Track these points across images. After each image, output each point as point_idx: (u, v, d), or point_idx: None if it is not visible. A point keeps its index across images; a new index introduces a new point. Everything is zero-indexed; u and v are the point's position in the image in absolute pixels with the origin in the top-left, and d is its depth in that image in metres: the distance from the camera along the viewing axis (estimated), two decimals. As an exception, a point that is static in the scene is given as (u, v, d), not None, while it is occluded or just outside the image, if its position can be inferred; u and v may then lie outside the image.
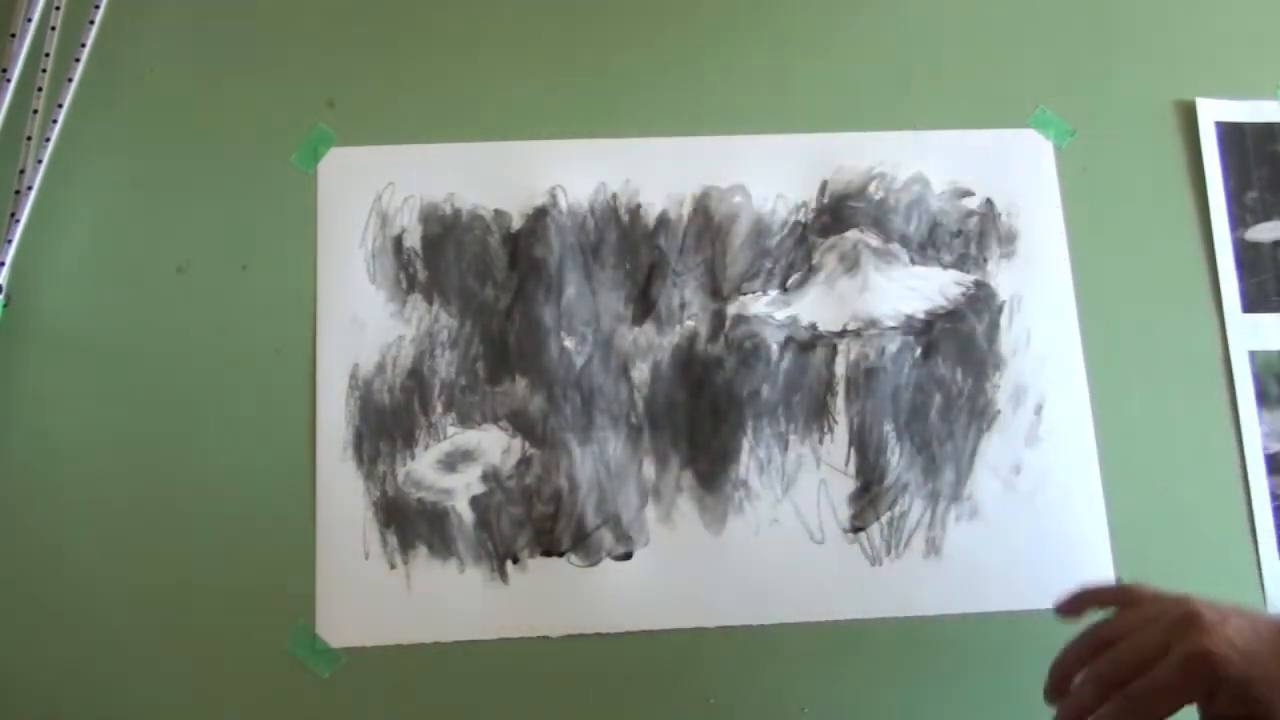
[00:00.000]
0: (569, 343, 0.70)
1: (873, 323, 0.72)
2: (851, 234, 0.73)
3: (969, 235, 0.73)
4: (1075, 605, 0.57)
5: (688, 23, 0.77)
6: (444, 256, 0.71)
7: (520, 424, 0.69)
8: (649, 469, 0.69)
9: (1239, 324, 0.73)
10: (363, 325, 0.70)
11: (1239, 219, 0.75)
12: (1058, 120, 0.76)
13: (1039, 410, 0.71)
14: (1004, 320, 0.72)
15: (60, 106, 0.70)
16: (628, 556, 0.67)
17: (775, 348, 0.71)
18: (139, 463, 0.67)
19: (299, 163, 0.72)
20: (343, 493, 0.67)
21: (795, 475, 0.69)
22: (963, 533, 0.68)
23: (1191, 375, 0.72)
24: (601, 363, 0.70)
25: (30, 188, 0.68)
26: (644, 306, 0.71)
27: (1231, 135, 0.76)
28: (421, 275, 0.71)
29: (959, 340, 0.72)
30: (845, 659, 0.66)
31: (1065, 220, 0.74)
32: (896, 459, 0.69)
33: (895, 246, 0.73)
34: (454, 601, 0.66)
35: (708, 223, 0.73)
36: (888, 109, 0.76)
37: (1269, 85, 0.78)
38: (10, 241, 0.68)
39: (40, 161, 0.69)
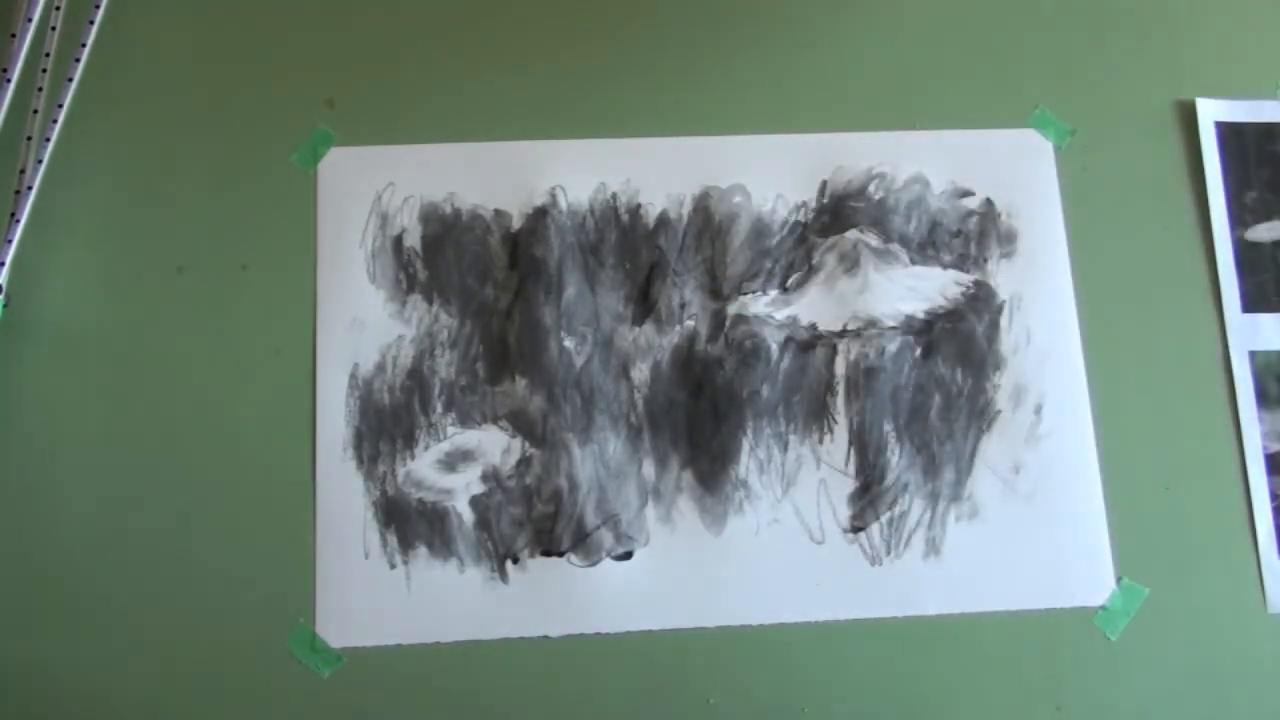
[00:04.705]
0: (569, 343, 0.70)
1: (872, 323, 0.72)
2: (851, 234, 0.73)
3: (969, 235, 0.73)
4: None
5: (688, 23, 0.77)
6: (444, 256, 0.71)
7: (520, 424, 0.69)
8: (649, 469, 0.69)
9: (1239, 324, 0.73)
10: (363, 325, 0.70)
11: (1239, 219, 0.75)
12: (1057, 120, 0.76)
13: (1039, 410, 0.71)
14: (1004, 320, 0.72)
15: (60, 106, 0.70)
16: (628, 556, 0.67)
17: (775, 348, 0.71)
18: (139, 462, 0.67)
19: (299, 163, 0.72)
20: (343, 493, 0.67)
21: (795, 475, 0.69)
22: (963, 533, 0.68)
23: (1191, 375, 0.72)
24: (601, 363, 0.70)
25: (30, 188, 0.68)
26: (644, 306, 0.71)
27: (1231, 135, 0.76)
28: (421, 275, 0.71)
29: (959, 340, 0.72)
30: (845, 659, 0.66)
31: (1065, 220, 0.74)
32: (896, 459, 0.69)
33: (895, 246, 0.73)
34: (454, 601, 0.66)
35: (708, 223, 0.73)
36: (888, 109, 0.76)
37: (1269, 85, 0.78)
38: (10, 241, 0.68)
39: (40, 161, 0.69)
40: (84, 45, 0.72)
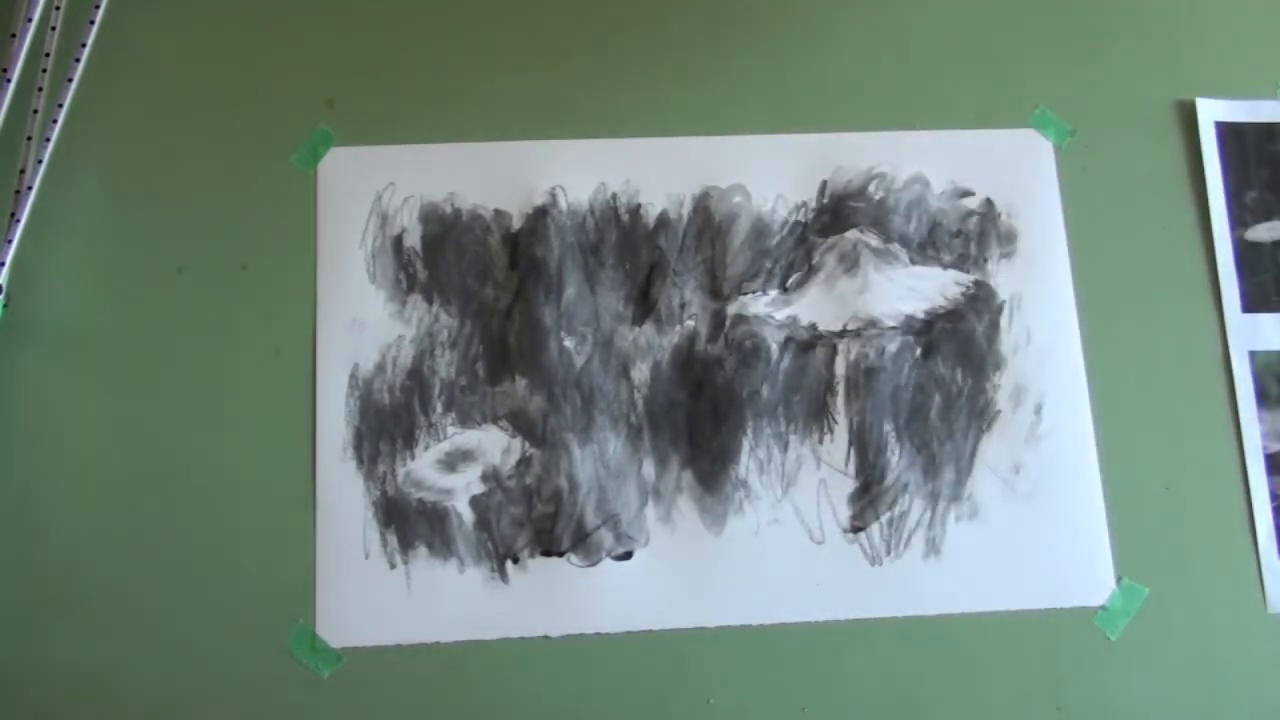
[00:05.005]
0: (569, 343, 0.70)
1: (873, 323, 0.72)
2: (851, 234, 0.73)
3: (969, 235, 0.74)
4: None
5: (688, 23, 0.77)
6: (444, 256, 0.71)
7: (520, 424, 0.69)
8: (649, 469, 0.69)
9: (1239, 324, 0.73)
10: (363, 325, 0.70)
11: (1239, 219, 0.75)
12: (1058, 120, 0.76)
13: (1039, 410, 0.71)
14: (1004, 320, 0.72)
15: (60, 106, 0.70)
16: (628, 556, 0.67)
17: (775, 348, 0.71)
18: (139, 462, 0.67)
19: (299, 163, 0.72)
20: (343, 493, 0.67)
21: (795, 475, 0.69)
22: (962, 533, 0.68)
23: (1191, 375, 0.72)
24: (601, 363, 0.70)
25: (30, 188, 0.68)
26: (644, 306, 0.71)
27: (1231, 135, 0.76)
28: (421, 275, 0.71)
29: (959, 340, 0.72)
30: (845, 659, 0.66)
31: (1065, 220, 0.74)
32: (896, 459, 0.69)
33: (895, 246, 0.73)
34: (454, 601, 0.66)
35: (708, 223, 0.73)
36: (888, 109, 0.76)
37: (1269, 85, 0.78)
38: (10, 241, 0.68)
39: (40, 161, 0.69)
40: (84, 45, 0.72)
